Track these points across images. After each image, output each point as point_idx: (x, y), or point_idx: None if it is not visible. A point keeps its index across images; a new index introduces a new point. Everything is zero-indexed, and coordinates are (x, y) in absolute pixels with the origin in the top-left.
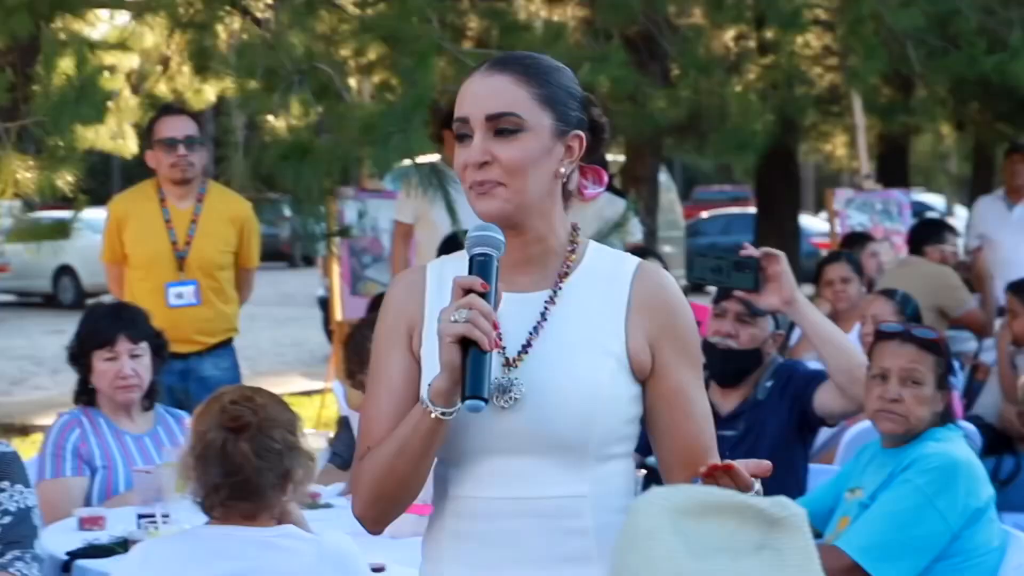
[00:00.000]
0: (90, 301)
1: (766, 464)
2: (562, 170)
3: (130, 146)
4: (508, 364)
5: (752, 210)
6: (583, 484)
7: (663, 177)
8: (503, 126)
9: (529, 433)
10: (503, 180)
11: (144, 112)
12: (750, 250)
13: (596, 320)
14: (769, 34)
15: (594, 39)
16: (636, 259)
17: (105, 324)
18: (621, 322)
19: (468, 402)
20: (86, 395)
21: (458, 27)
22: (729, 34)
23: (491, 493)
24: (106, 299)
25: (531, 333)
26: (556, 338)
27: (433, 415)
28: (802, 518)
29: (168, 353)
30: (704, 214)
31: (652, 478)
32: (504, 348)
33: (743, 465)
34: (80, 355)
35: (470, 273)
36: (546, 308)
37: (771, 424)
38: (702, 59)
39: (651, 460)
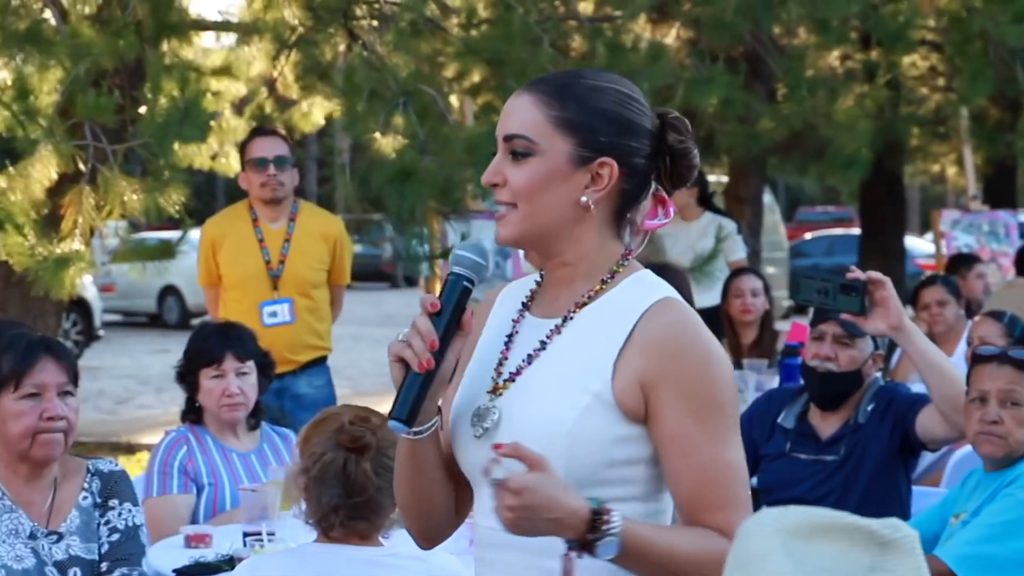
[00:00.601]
0: (195, 321)
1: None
2: (584, 198)
3: (233, 165)
4: (494, 391)
5: (855, 231)
6: None
7: (767, 198)
8: (515, 148)
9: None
10: (513, 202)
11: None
12: (856, 273)
13: (587, 354)
14: (874, 54)
15: (700, 60)
16: (662, 295)
17: (212, 342)
18: (611, 359)
19: (390, 422)
20: (193, 413)
21: (561, 47)
22: (834, 54)
23: (482, 521)
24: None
25: (523, 361)
26: (544, 369)
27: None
28: (914, 540)
29: (274, 372)
30: (807, 235)
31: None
32: (501, 374)
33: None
34: (187, 373)
35: (440, 292)
36: (548, 337)
37: (873, 447)
38: (808, 79)
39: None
